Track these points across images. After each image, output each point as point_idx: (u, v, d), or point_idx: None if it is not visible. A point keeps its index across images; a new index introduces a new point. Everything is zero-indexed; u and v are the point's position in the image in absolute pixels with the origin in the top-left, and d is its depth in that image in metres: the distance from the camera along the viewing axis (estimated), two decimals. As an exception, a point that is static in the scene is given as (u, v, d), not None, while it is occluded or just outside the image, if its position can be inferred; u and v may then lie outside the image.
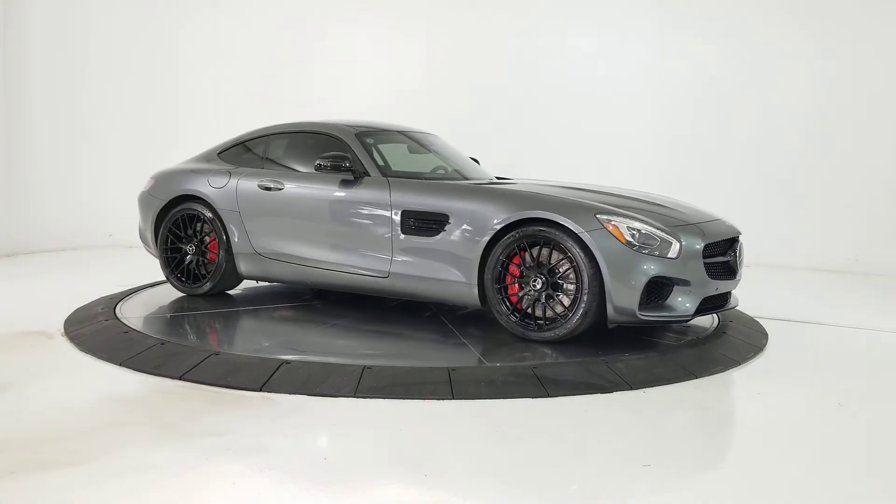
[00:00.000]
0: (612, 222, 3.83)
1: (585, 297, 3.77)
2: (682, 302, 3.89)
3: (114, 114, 8.43)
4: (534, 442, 2.79)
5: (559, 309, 3.89)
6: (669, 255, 3.83)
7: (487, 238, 3.97)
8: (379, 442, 2.73)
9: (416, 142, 5.04)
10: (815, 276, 7.37)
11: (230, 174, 4.85)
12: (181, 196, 4.96)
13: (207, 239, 4.90)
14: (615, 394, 3.32)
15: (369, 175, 4.43)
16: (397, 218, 4.23)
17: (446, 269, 4.12)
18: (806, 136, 7.92)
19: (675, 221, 4.07)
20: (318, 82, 8.79)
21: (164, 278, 5.12)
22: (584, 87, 8.51)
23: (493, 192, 4.18)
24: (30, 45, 7.90)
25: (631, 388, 3.37)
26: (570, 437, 2.89)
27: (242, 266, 4.80)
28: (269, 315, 4.73)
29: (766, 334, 4.52)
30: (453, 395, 3.21)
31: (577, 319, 3.82)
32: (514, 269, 3.97)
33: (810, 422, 3.10)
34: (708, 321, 4.67)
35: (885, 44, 7.61)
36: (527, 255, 3.93)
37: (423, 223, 4.18)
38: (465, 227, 4.06)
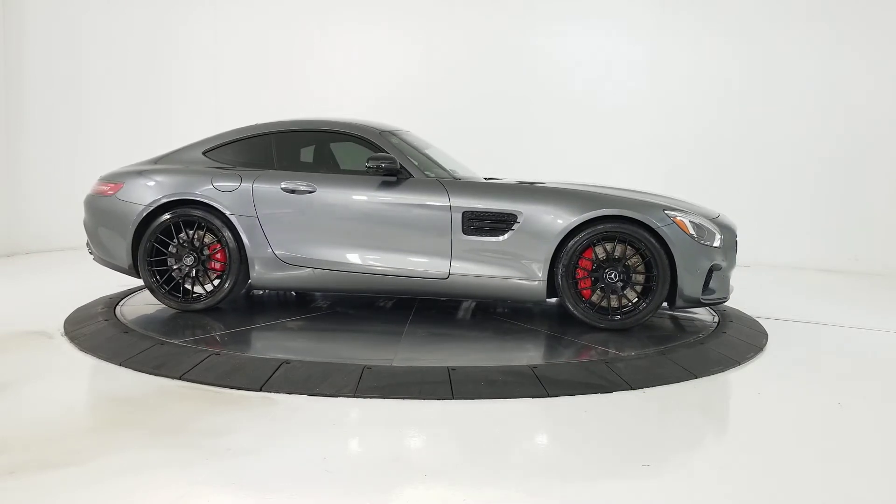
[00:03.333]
0: (678, 217, 4.22)
1: (660, 287, 4.13)
2: (721, 285, 4.37)
3: (113, 113, 8.45)
4: (534, 442, 2.79)
5: (631, 297, 4.23)
6: (715, 245, 4.28)
7: (562, 235, 4.15)
8: (379, 442, 2.73)
9: (405, 141, 4.99)
10: (815, 276, 7.37)
11: (240, 176, 4.47)
12: (172, 201, 4.45)
13: (206, 249, 4.47)
14: (615, 394, 3.32)
15: (412, 176, 4.39)
16: (458, 219, 4.23)
17: (512, 267, 4.22)
18: (805, 136, 7.92)
19: (708, 215, 4.47)
20: (314, 81, 8.79)
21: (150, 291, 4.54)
22: (583, 87, 8.52)
23: (561, 192, 4.34)
24: (28, 46, 7.91)
25: (631, 388, 3.38)
26: (570, 437, 2.89)
27: (259, 275, 4.42)
28: (310, 325, 4.46)
29: (766, 334, 4.53)
30: (453, 395, 3.21)
31: (651, 307, 4.19)
32: (585, 263, 4.21)
33: (810, 422, 3.10)
34: (708, 321, 4.69)
35: (886, 43, 7.61)
36: (598, 250, 4.19)
37: (489, 223, 4.23)
38: (535, 225, 4.19)
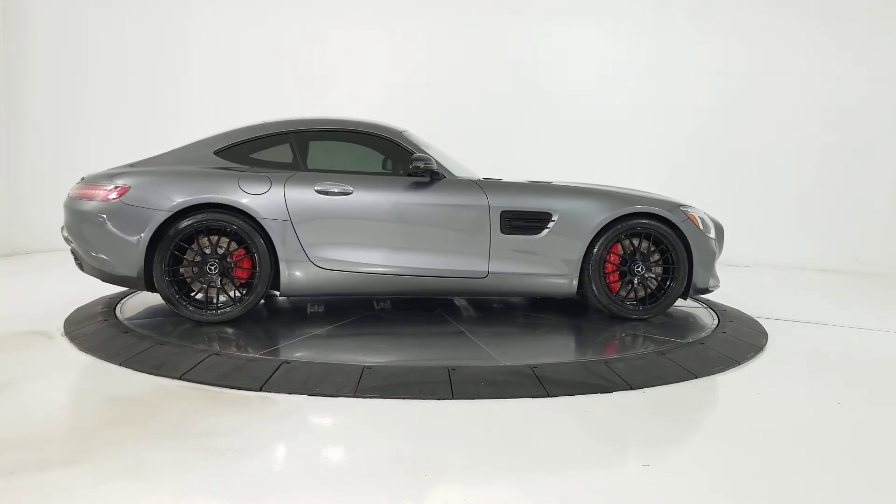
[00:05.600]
0: (690, 212, 4.57)
1: (681, 278, 4.49)
2: (716, 273, 4.71)
3: (114, 113, 8.45)
4: (534, 442, 2.79)
5: (651, 288, 4.56)
6: (711, 236, 4.64)
7: (595, 232, 4.39)
8: (379, 442, 2.73)
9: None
10: (815, 276, 7.37)
11: (269, 178, 4.26)
12: (192, 206, 4.14)
13: (230, 256, 4.22)
14: (615, 394, 3.32)
15: (444, 177, 4.41)
16: (496, 218, 4.33)
17: (547, 264, 4.39)
18: (806, 136, 7.93)
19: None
20: (316, 80, 8.80)
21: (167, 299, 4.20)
22: (582, 87, 8.52)
23: (591, 191, 4.56)
24: (29, 45, 7.91)
25: (631, 388, 3.38)
26: (570, 437, 2.89)
27: (291, 281, 4.24)
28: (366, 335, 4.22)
29: (766, 334, 4.53)
30: (453, 395, 3.21)
31: (674, 297, 4.53)
32: (613, 258, 4.50)
33: (810, 422, 3.10)
34: (709, 321, 4.69)
35: (885, 44, 7.61)
36: (626, 245, 4.49)
37: (525, 222, 4.37)
38: (570, 223, 4.39)
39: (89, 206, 4.25)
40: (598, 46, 8.52)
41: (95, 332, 4.12)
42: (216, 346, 3.80)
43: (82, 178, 4.45)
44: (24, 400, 3.16)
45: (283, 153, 4.50)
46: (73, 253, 4.49)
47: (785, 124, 7.97)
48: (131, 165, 4.47)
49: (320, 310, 4.80)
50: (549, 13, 8.52)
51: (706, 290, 4.61)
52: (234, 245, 4.24)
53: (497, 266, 4.34)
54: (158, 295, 4.32)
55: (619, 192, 4.62)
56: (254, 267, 4.24)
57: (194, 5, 8.70)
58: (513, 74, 8.60)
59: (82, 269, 4.44)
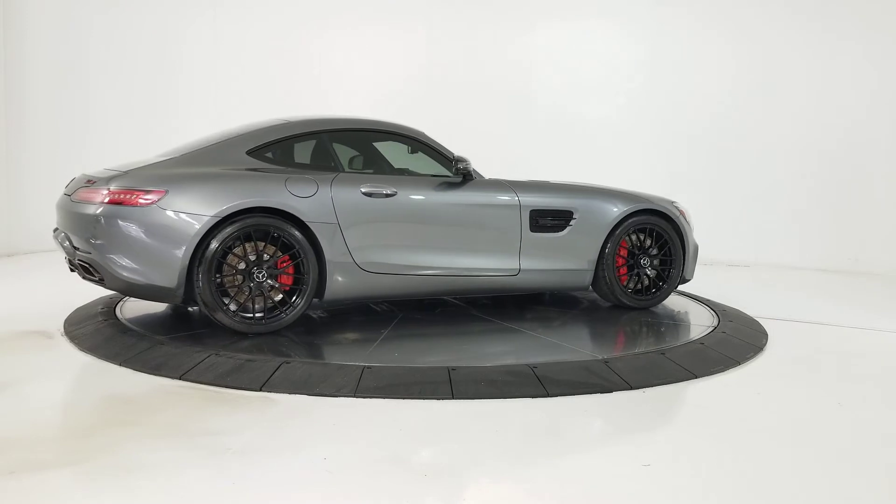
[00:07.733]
0: (680, 208, 4.94)
1: (678, 269, 4.86)
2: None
3: (114, 114, 8.45)
4: (533, 441, 2.79)
5: (646, 282, 4.85)
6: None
7: (610, 228, 4.66)
8: (379, 442, 2.73)
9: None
10: (815, 276, 7.37)
11: (316, 181, 4.05)
12: (236, 210, 3.82)
13: (275, 262, 3.95)
14: (615, 394, 3.32)
15: (474, 178, 4.50)
16: (526, 217, 4.51)
17: (568, 260, 4.64)
18: (806, 135, 7.92)
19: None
20: (315, 80, 8.80)
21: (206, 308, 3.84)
22: (582, 87, 8.52)
23: (604, 191, 4.85)
24: (30, 45, 7.91)
25: (631, 388, 3.37)
26: (569, 437, 2.89)
27: (337, 287, 4.08)
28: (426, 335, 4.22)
29: (766, 334, 4.53)
30: (453, 395, 3.21)
31: (673, 286, 4.90)
32: (622, 252, 4.78)
33: (810, 422, 3.09)
34: (708, 321, 4.69)
35: (886, 43, 7.61)
36: (633, 239, 4.79)
37: (551, 220, 4.60)
38: (589, 221, 4.66)
39: (112, 211, 3.75)
40: (597, 46, 8.52)
41: (95, 332, 4.12)
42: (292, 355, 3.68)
43: (88, 182, 3.99)
44: (24, 400, 3.16)
45: (319, 153, 4.38)
46: (86, 264, 3.93)
47: (785, 124, 7.96)
48: (152, 166, 4.03)
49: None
50: (548, 13, 8.52)
51: (688, 280, 5.04)
52: (274, 249, 3.96)
53: (527, 263, 4.52)
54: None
55: (626, 192, 4.89)
56: (299, 272, 3.99)
57: (194, 5, 8.70)
58: (512, 74, 8.60)
59: (103, 284, 3.92)
